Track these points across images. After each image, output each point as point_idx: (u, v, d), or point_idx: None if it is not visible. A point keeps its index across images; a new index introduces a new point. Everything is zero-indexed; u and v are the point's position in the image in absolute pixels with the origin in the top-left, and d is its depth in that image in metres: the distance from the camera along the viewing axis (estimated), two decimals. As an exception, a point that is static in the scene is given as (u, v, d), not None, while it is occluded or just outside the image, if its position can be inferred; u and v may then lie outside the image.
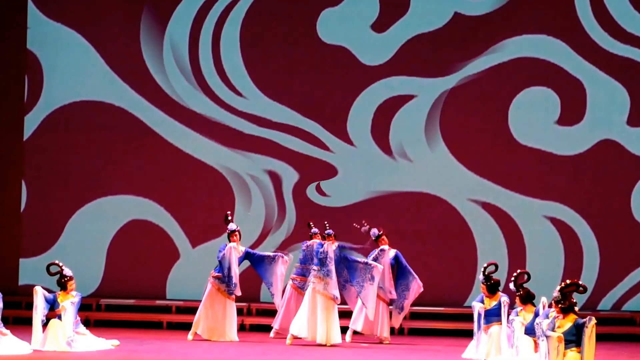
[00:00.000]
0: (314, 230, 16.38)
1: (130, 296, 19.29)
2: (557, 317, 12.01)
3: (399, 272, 16.17)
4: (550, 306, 12.85)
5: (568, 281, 12.02)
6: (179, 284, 19.71)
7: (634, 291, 19.39)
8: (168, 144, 20.05)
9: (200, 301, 16.11)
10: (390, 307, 16.35)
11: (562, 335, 11.81)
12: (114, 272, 19.79)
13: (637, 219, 19.49)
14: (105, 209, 19.98)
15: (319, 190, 19.81)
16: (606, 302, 19.37)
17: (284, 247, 18.83)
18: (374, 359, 14.38)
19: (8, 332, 13.84)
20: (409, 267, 16.28)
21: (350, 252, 16.64)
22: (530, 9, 19.74)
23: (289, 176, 19.87)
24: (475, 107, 19.80)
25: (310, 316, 15.04)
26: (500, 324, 13.88)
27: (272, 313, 17.06)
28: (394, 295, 16.03)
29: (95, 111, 20.12)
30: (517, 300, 13.86)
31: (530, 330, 13.35)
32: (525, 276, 13.97)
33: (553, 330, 11.90)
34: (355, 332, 16.16)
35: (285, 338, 15.53)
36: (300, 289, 15.96)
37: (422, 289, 16.30)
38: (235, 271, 15.34)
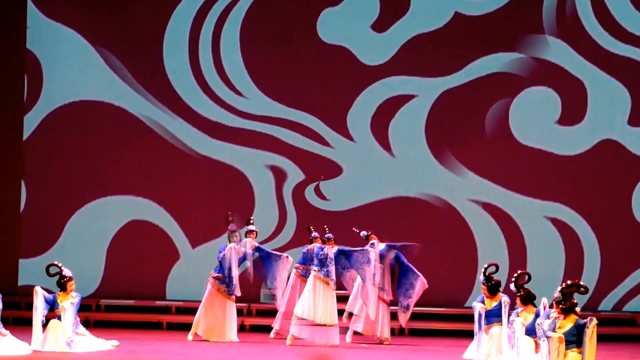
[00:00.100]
0: (314, 234, 16.72)
1: (130, 297, 19.26)
2: (558, 317, 11.98)
3: (400, 271, 16.39)
4: (551, 307, 12.82)
5: (569, 282, 12.00)
6: (178, 285, 19.68)
7: (635, 292, 19.36)
8: (168, 143, 20.02)
9: (200, 302, 16.14)
10: (395, 307, 16.56)
11: (562, 335, 11.78)
12: (114, 272, 19.76)
13: (638, 220, 19.47)
14: (104, 209, 19.94)
15: (318, 193, 19.82)
16: (607, 303, 19.35)
17: (284, 249, 18.80)
18: (374, 357, 14.53)
19: (7, 332, 13.82)
20: (411, 266, 16.42)
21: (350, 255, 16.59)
22: (531, 9, 19.73)
23: (291, 175, 19.88)
24: (476, 107, 19.77)
25: (312, 300, 15.67)
26: (501, 324, 13.86)
27: (272, 314, 17.11)
28: (391, 297, 16.31)
29: (95, 111, 20.11)
30: (518, 300, 13.84)
31: (530, 331, 13.33)
32: (526, 277, 13.94)
33: (554, 330, 11.88)
34: (355, 333, 16.36)
35: (285, 339, 15.80)
36: (303, 276, 16.47)
37: (426, 286, 16.39)
38: (235, 272, 15.62)
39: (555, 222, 19.56)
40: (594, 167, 19.60)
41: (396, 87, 19.86)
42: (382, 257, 16.41)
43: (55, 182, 20.05)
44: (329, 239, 16.25)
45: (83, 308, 15.86)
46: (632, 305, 19.28)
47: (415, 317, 17.74)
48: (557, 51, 19.65)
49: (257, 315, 18.30)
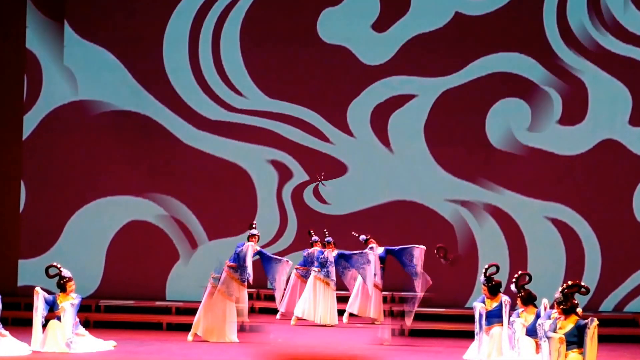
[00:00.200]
0: (315, 238, 17.29)
1: (129, 297, 19.22)
2: (559, 318, 11.95)
3: (397, 254, 16.80)
4: (552, 307, 12.78)
5: (570, 282, 11.95)
6: (178, 285, 19.67)
7: (636, 293, 19.34)
8: (168, 143, 20.02)
9: (199, 303, 16.12)
10: (387, 292, 17.46)
11: (563, 336, 11.74)
12: (114, 273, 19.73)
13: (639, 220, 19.44)
14: (103, 210, 19.93)
15: (318, 196, 19.84)
16: (608, 304, 19.32)
17: (285, 253, 18.94)
18: (367, 337, 15.19)
19: (7, 333, 13.78)
20: (402, 246, 16.78)
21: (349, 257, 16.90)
22: (531, 9, 19.72)
23: (296, 175, 19.92)
24: (476, 107, 19.76)
25: (312, 300, 16.33)
26: (502, 325, 13.82)
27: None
28: (381, 280, 17.02)
29: (94, 111, 20.08)
30: (519, 301, 13.80)
31: (531, 332, 13.29)
32: (527, 277, 13.90)
33: (554, 331, 11.84)
34: (351, 315, 17.07)
35: (290, 320, 16.58)
36: (304, 277, 17.08)
37: (424, 248, 16.62)
38: (250, 264, 15.82)
39: (556, 222, 19.53)
40: (595, 167, 19.58)
41: (396, 87, 19.84)
42: (381, 259, 16.99)
43: (55, 183, 20.01)
44: (328, 242, 16.77)
45: (83, 308, 15.83)
46: (633, 306, 19.27)
47: (416, 317, 17.53)
48: (557, 51, 19.63)
49: (266, 299, 18.54)
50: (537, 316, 13.29)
